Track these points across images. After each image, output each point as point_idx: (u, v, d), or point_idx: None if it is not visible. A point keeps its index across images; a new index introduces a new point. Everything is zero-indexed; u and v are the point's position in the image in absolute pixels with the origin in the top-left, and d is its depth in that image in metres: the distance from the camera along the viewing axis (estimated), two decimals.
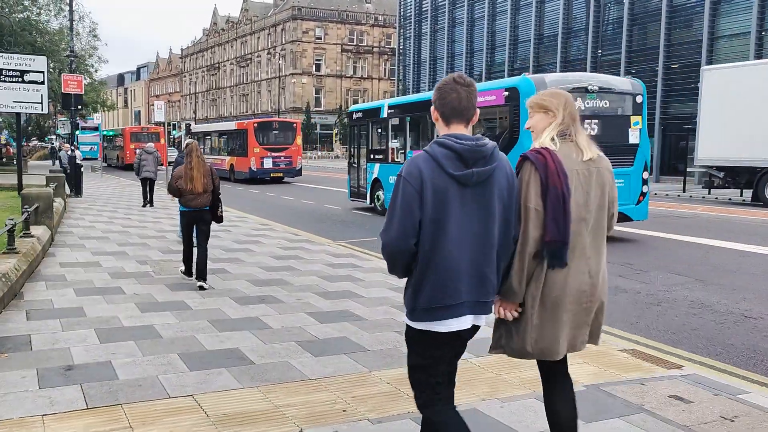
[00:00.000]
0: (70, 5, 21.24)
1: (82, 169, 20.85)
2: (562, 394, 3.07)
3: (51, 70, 36.25)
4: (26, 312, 6.15)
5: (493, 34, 46.20)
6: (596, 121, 11.90)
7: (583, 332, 2.99)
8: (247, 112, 79.07)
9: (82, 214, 15.60)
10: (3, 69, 17.65)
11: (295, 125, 32.83)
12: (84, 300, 6.69)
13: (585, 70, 38.12)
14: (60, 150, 23.21)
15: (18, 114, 18.72)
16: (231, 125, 36.00)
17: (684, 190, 24.67)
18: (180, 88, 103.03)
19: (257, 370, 4.75)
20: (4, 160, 46.00)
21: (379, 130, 17.49)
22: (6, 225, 7.61)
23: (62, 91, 20.32)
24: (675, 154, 33.35)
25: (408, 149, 15.58)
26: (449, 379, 2.84)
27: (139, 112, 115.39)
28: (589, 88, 11.98)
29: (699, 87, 23.10)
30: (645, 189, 12.47)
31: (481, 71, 46.72)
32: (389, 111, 16.81)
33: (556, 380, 3.08)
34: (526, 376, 4.66)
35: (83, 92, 21.19)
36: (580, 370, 4.83)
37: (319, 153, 68.05)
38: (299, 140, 32.06)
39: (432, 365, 2.77)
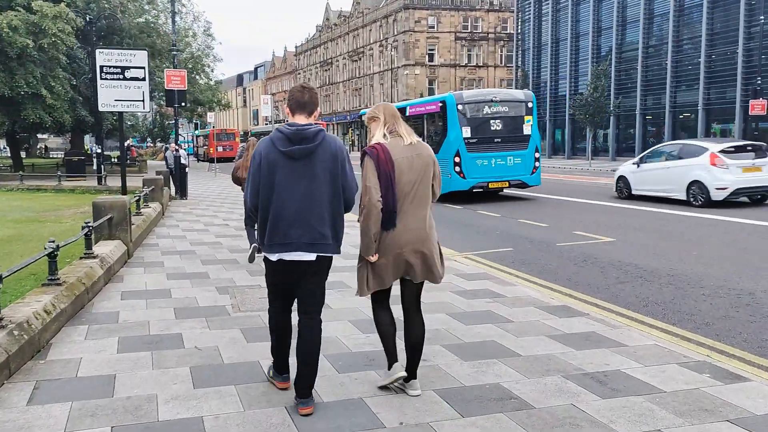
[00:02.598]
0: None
1: (188, 169, 19.76)
2: (415, 321, 4.18)
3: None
4: (35, 385, 4.29)
5: (624, 9, 41.93)
6: (502, 120, 17.48)
7: (411, 269, 4.01)
8: (359, 106, 78.10)
9: (180, 219, 14.22)
10: (104, 66, 16.65)
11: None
12: (124, 361, 4.78)
13: (737, 42, 33.46)
14: (167, 150, 22.36)
15: (120, 113, 17.76)
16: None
17: None
18: (295, 85, 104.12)
19: None
20: (127, 161, 47.32)
21: None
22: (46, 249, 5.91)
23: (165, 87, 19.30)
24: None
25: None
26: (289, 294, 4.04)
27: (257, 111, 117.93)
28: (493, 99, 17.59)
29: None
30: (537, 164, 17.77)
31: (609, 50, 42.57)
32: (418, 108, 21.03)
33: (409, 311, 4.20)
34: None
35: (187, 88, 20.09)
36: None
37: None
38: None
39: (274, 281, 4.02)
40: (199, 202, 18.53)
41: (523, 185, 17.77)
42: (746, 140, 19.96)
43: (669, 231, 11.66)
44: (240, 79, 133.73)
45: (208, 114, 42.65)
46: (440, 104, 17.81)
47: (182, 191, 19.59)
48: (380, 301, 4.17)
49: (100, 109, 17.50)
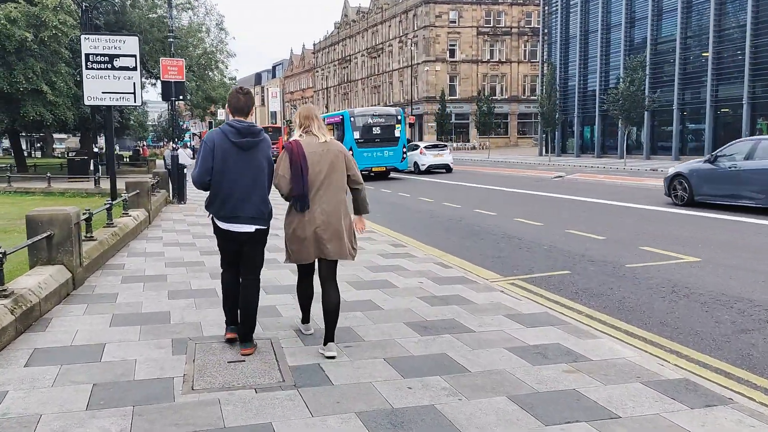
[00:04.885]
0: None
1: (186, 170, 17.70)
2: (330, 291, 4.76)
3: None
4: None
5: None
6: (380, 127, 27.57)
7: (325, 247, 4.67)
8: (378, 104, 75.91)
9: (167, 230, 12.16)
10: (90, 54, 14.66)
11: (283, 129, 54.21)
12: None
13: None
14: (166, 150, 20.34)
15: (109, 107, 15.73)
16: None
17: None
18: (313, 83, 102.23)
19: None
20: (139, 160, 45.73)
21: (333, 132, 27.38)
22: None
23: (161, 78, 17.24)
24: None
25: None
26: (235, 259, 4.88)
27: (275, 112, 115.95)
28: (374, 113, 28.27)
29: None
30: (405, 156, 28.13)
31: (644, 42, 39.92)
32: (330, 119, 29.26)
33: (325, 282, 4.78)
34: None
35: (185, 79, 18.02)
36: None
37: (455, 144, 63.17)
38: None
39: (223, 246, 4.90)
40: (198, 207, 16.46)
41: (395, 169, 28.33)
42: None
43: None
44: (258, 77, 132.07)
45: (219, 112, 40.62)
46: (341, 117, 27.98)
47: (179, 195, 17.56)
48: (304, 275, 5.02)
49: (86, 102, 15.46)
